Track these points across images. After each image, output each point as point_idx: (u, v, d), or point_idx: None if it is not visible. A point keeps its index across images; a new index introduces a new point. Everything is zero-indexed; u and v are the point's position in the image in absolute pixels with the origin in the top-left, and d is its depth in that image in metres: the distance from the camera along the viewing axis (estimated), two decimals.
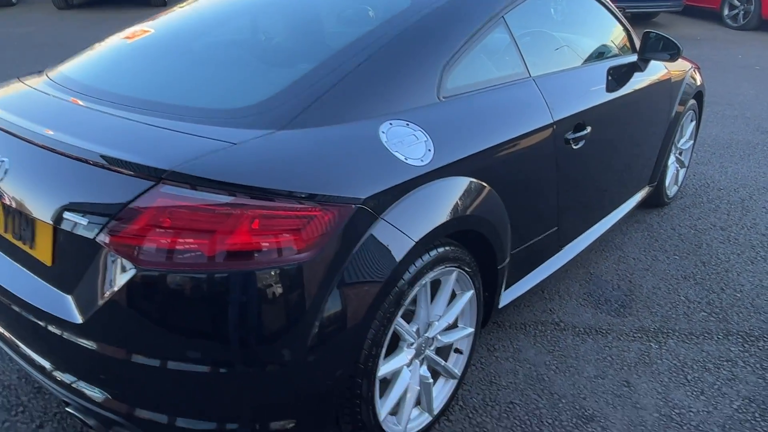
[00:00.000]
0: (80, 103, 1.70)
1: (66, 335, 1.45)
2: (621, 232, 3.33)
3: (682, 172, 3.74)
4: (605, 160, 2.59)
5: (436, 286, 1.82)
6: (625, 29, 2.93)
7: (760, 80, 6.90)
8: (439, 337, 1.88)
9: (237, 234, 1.33)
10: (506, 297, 2.17)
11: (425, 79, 1.79)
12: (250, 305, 1.36)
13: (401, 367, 1.76)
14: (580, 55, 2.57)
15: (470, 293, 1.91)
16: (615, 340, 2.42)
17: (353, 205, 1.45)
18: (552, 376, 2.21)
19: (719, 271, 2.97)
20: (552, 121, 2.13)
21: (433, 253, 1.67)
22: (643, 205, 3.41)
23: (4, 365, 2.14)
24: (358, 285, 1.47)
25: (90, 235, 1.38)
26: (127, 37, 2.18)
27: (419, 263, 1.63)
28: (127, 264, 1.34)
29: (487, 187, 1.85)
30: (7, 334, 1.66)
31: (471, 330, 1.98)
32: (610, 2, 2.90)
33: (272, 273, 1.36)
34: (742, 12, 10.06)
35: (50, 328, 1.48)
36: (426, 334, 1.82)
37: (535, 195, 2.15)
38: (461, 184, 1.75)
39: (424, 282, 1.68)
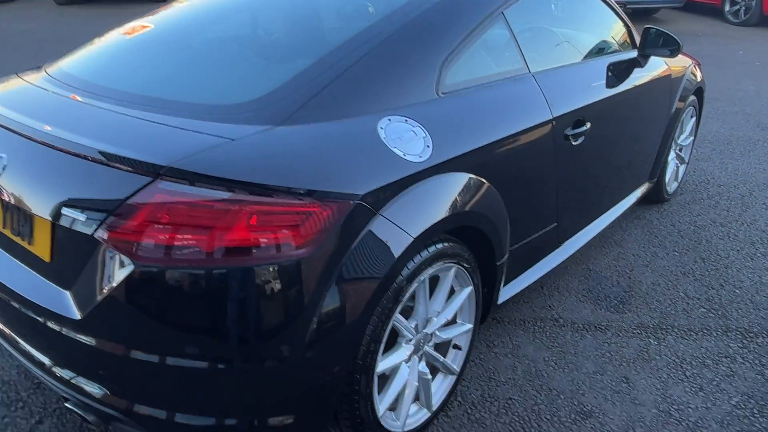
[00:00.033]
0: (78, 98, 1.70)
1: (64, 331, 1.46)
2: (620, 228, 3.33)
3: (682, 168, 3.73)
4: (605, 156, 2.59)
5: (434, 282, 1.82)
6: (626, 25, 2.92)
7: (761, 76, 6.89)
8: (437, 333, 1.88)
9: (235, 230, 1.33)
10: (505, 293, 2.17)
11: (424, 75, 1.79)
12: (248, 301, 1.36)
13: (400, 363, 1.76)
14: (579, 50, 2.56)
15: (469, 289, 1.91)
16: (614, 336, 2.43)
17: (352, 201, 1.45)
18: (551, 372, 2.21)
19: (719, 267, 2.97)
20: (551, 117, 2.12)
21: (432, 249, 1.67)
22: (642, 201, 3.40)
23: (3, 361, 2.15)
24: (356, 281, 1.47)
25: (88, 231, 1.38)
26: (126, 33, 2.17)
27: (418, 259, 1.63)
28: (126, 260, 1.35)
29: (486, 184, 1.84)
30: (6, 330, 1.67)
31: (470, 326, 1.98)
32: None
33: (270, 269, 1.36)
34: (743, 8, 10.04)
35: (49, 324, 1.49)
36: (425, 330, 1.82)
37: (534, 191, 2.14)
38: (460, 180, 1.75)
39: (422, 278, 1.68)
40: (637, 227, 3.35)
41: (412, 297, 1.74)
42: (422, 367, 1.85)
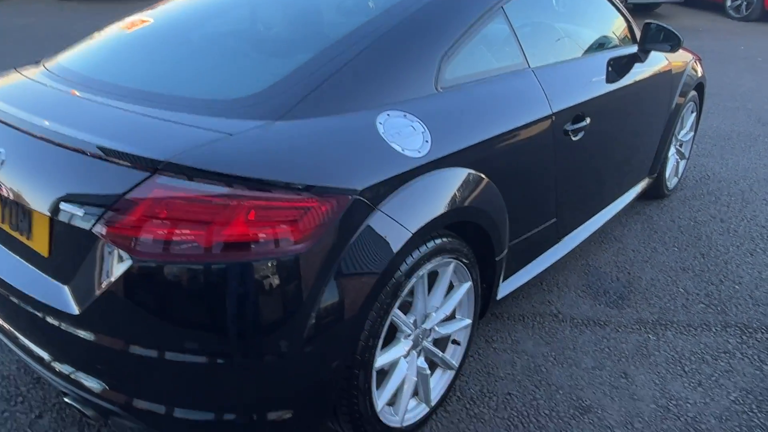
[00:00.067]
0: (77, 93, 1.70)
1: (63, 326, 1.46)
2: (620, 223, 3.33)
3: (682, 163, 3.73)
4: (604, 151, 2.58)
5: (433, 277, 1.82)
6: (626, 20, 2.91)
7: (762, 72, 6.88)
8: (436, 328, 1.88)
9: (233, 225, 1.33)
10: (504, 288, 2.17)
11: (423, 70, 1.79)
12: (246, 296, 1.36)
13: (398, 358, 1.77)
14: (580, 45, 2.56)
15: (468, 285, 1.91)
16: (613, 332, 2.43)
17: (350, 196, 1.45)
18: (550, 368, 2.22)
19: (718, 263, 2.97)
20: (551, 113, 2.12)
21: (431, 244, 1.67)
22: (642, 196, 3.40)
23: (3, 356, 2.15)
24: (354, 276, 1.47)
25: (86, 226, 1.38)
26: (125, 27, 2.17)
27: (416, 254, 1.62)
28: (124, 255, 1.34)
29: (485, 179, 1.84)
30: (5, 325, 1.67)
31: (469, 321, 1.98)
32: None
33: (269, 264, 1.36)
34: (745, 3, 10.01)
35: (47, 319, 1.49)
36: (423, 326, 1.82)
37: (533, 186, 2.14)
38: (459, 175, 1.74)
39: (421, 273, 1.68)
40: (636, 223, 3.35)
41: (411, 292, 1.74)
42: (421, 362, 1.85)
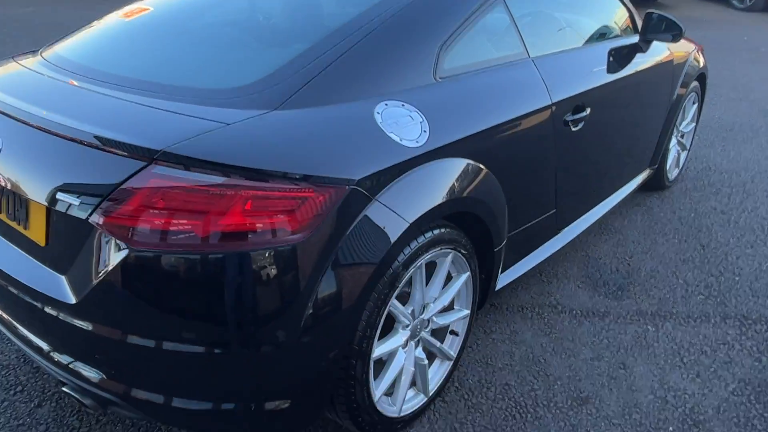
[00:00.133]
0: (74, 83, 1.69)
1: (61, 316, 1.46)
2: (620, 215, 3.32)
3: (683, 155, 3.71)
4: (605, 142, 2.57)
5: (431, 267, 1.82)
6: (628, 10, 2.89)
7: (766, 63, 6.84)
8: (434, 318, 1.88)
9: (230, 215, 1.33)
10: (503, 279, 2.17)
11: (421, 60, 1.77)
12: (243, 286, 1.36)
13: (396, 349, 1.77)
14: (580, 35, 2.54)
15: (466, 275, 1.91)
16: (612, 323, 2.43)
17: (347, 186, 1.45)
18: (548, 358, 2.22)
19: (718, 254, 2.96)
20: (550, 103, 2.11)
21: (429, 235, 1.67)
22: (643, 187, 3.39)
23: (2, 346, 2.16)
24: (352, 266, 1.47)
25: (83, 215, 1.38)
26: (123, 16, 2.16)
27: (414, 245, 1.62)
28: (120, 244, 1.34)
29: (484, 169, 1.83)
30: (4, 315, 1.67)
31: (467, 312, 1.98)
32: None
33: (266, 254, 1.35)
34: None
35: (45, 308, 1.49)
36: (421, 316, 1.82)
37: (532, 177, 2.13)
38: (457, 165, 1.74)
39: (419, 264, 1.68)
40: (637, 214, 3.34)
41: (409, 283, 1.74)
42: (419, 352, 1.85)
